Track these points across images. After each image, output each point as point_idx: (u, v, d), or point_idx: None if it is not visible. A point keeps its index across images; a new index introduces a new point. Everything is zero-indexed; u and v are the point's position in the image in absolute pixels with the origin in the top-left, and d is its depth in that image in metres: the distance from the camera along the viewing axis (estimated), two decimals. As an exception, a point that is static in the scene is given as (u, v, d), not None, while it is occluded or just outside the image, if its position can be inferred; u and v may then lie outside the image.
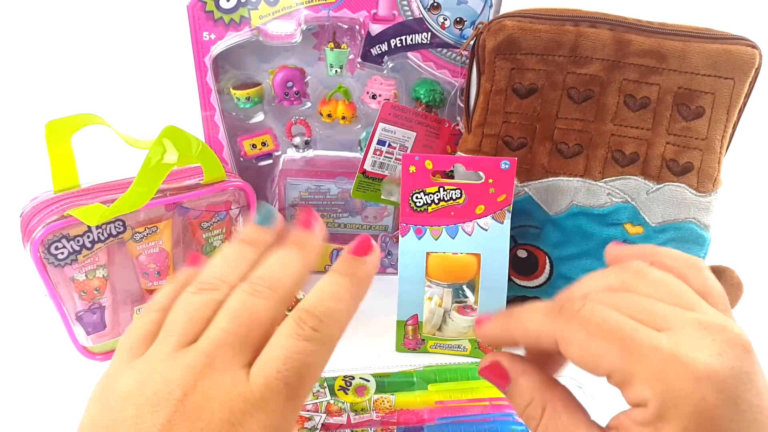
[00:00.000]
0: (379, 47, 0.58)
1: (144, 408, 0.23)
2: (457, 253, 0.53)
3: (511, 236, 0.53)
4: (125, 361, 0.26)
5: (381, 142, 0.60)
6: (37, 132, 0.51)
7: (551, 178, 0.53)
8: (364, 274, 0.28)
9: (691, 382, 0.22)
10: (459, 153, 0.55)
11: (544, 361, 0.29)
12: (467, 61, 0.56)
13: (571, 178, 0.52)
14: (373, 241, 0.30)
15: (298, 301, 0.62)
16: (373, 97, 0.60)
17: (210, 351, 0.24)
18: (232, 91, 0.60)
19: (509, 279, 0.56)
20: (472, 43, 0.53)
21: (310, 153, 0.66)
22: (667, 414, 0.22)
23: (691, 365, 0.22)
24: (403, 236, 0.53)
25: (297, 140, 0.64)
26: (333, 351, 0.26)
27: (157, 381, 0.24)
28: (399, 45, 0.58)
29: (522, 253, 0.56)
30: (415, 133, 0.60)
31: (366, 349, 0.56)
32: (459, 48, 0.58)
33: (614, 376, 0.24)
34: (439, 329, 0.56)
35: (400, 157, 0.59)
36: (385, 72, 0.60)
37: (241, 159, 0.64)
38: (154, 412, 0.23)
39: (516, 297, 0.60)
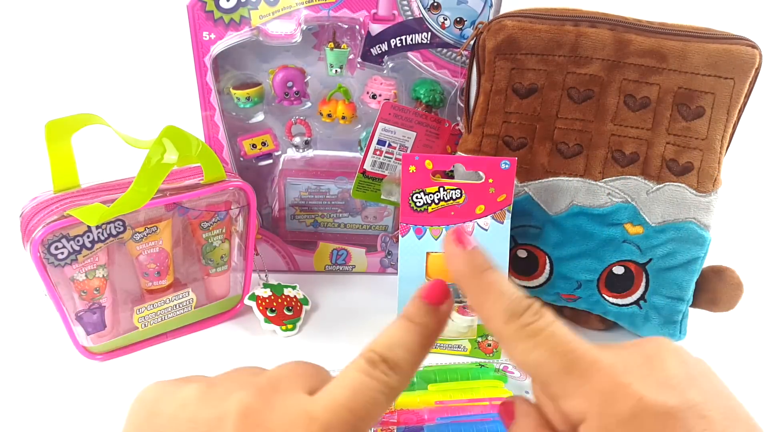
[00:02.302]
0: (379, 47, 0.58)
1: (198, 412, 0.24)
2: (457, 253, 0.53)
3: (511, 236, 0.53)
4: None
5: (381, 142, 0.60)
6: (37, 132, 0.51)
7: (551, 178, 0.53)
8: (437, 325, 0.28)
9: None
10: (459, 153, 0.55)
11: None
12: (467, 61, 0.56)
13: (571, 178, 0.52)
14: (450, 287, 0.29)
15: (295, 299, 0.62)
16: (373, 97, 0.60)
17: (274, 376, 0.26)
18: (232, 91, 0.60)
19: (509, 279, 0.56)
20: (472, 43, 0.53)
21: (310, 153, 0.66)
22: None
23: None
24: (403, 236, 0.53)
25: (297, 140, 0.64)
26: (396, 397, 0.26)
27: (215, 394, 0.25)
28: (399, 45, 0.58)
29: (522, 253, 0.56)
30: (415, 133, 0.60)
31: (366, 349, 0.56)
32: (459, 48, 0.58)
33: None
34: (439, 329, 0.56)
35: (400, 157, 0.59)
36: (385, 72, 0.60)
37: (241, 159, 0.64)
38: (208, 416, 0.24)
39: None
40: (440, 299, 0.28)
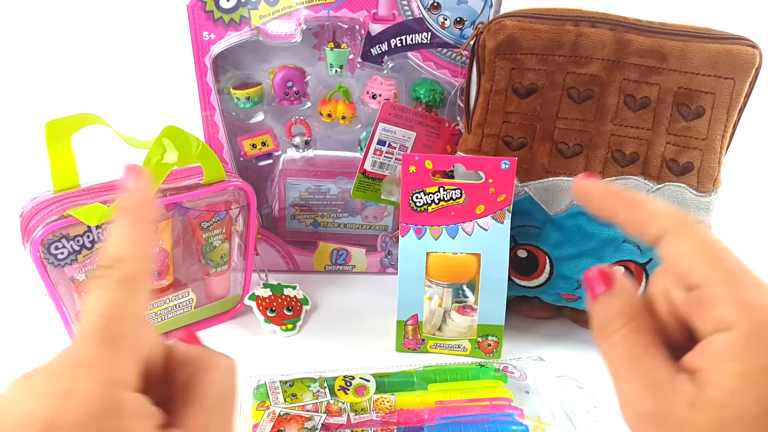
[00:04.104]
0: (379, 47, 0.58)
1: None
2: (457, 253, 0.53)
3: (511, 236, 0.53)
4: None
5: (381, 142, 0.60)
6: (37, 132, 0.51)
7: (551, 178, 0.53)
8: (137, 202, 0.27)
9: None
10: (459, 153, 0.55)
11: None
12: (467, 61, 0.56)
13: (571, 178, 0.52)
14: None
15: (295, 299, 0.62)
16: (373, 97, 0.60)
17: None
18: (232, 91, 0.60)
19: (509, 279, 0.56)
20: (472, 43, 0.53)
21: (310, 153, 0.66)
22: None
23: None
24: (403, 236, 0.53)
25: (297, 140, 0.64)
26: (144, 283, 0.25)
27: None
28: (399, 45, 0.58)
29: (522, 253, 0.56)
30: (415, 133, 0.60)
31: (366, 349, 0.56)
32: (459, 48, 0.58)
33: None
34: (439, 329, 0.56)
35: (400, 157, 0.59)
36: (385, 72, 0.60)
37: (241, 159, 0.64)
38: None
39: (516, 297, 0.60)
40: (129, 179, 0.27)
